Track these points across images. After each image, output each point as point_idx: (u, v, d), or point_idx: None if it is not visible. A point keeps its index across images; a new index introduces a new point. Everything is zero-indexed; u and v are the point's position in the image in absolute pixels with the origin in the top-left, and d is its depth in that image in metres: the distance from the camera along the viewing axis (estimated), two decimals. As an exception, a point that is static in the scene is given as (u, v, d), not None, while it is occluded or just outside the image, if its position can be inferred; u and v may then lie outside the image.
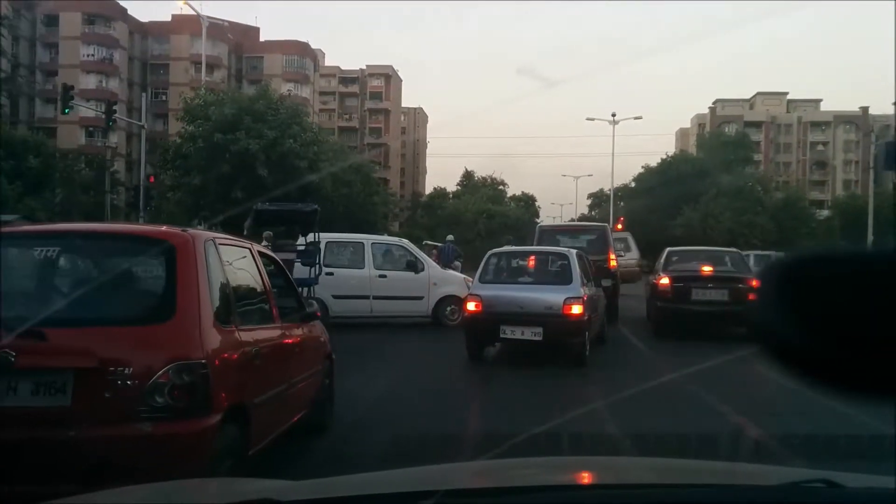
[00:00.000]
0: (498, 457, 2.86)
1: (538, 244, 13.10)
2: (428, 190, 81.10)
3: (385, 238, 15.67)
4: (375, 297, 12.73)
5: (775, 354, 0.73)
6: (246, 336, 3.81)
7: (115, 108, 26.96)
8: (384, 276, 12.91)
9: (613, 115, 48.84)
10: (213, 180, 20.61)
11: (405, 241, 14.22)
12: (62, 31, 62.10)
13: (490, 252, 9.64)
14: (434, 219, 59.34)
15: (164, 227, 3.98)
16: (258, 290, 4.37)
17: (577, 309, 8.23)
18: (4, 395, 3.06)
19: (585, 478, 1.91)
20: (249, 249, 4.47)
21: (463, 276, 13.95)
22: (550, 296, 8.40)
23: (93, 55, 62.19)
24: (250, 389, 3.75)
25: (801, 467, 2.23)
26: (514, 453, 3.07)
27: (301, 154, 21.12)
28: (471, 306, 8.71)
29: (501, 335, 8.48)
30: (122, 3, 64.51)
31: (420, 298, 12.91)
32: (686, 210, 49.13)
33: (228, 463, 3.36)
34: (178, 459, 3.09)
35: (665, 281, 11.49)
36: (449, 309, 13.02)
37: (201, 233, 3.94)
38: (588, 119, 50.07)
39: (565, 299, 8.27)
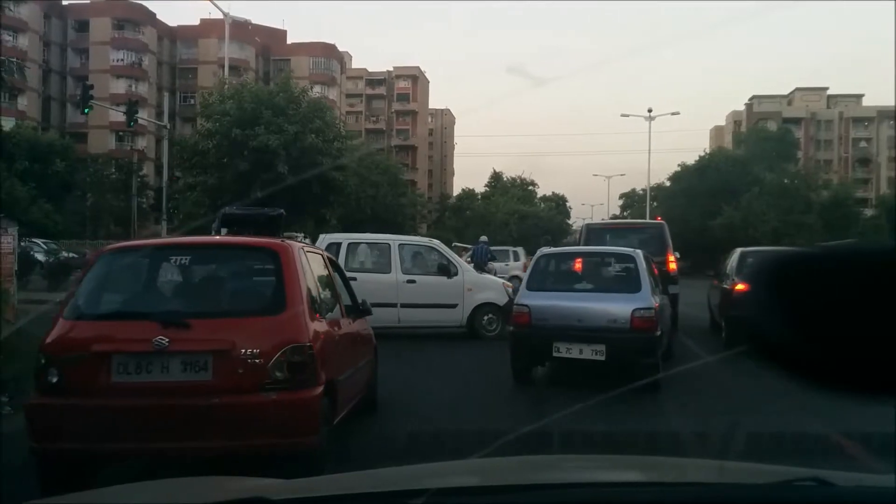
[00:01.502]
0: (489, 455, 2.59)
1: (585, 243, 11.70)
2: (455, 191, 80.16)
3: (414, 239, 14.31)
4: (403, 305, 11.36)
5: (765, 353, 0.74)
6: (328, 326, 4.67)
7: (136, 107, 26.21)
8: (413, 282, 11.56)
9: (649, 110, 47.18)
10: (231, 179, 19.42)
11: (436, 242, 12.57)
12: (92, 37, 62.35)
13: (540, 253, 8.25)
14: (462, 220, 58.19)
15: (267, 238, 4.81)
16: (330, 288, 5.28)
17: (648, 322, 6.84)
18: (160, 372, 3.89)
19: (576, 476, 1.90)
20: (322, 255, 5.50)
21: (502, 280, 12.56)
22: (615, 306, 7.01)
23: (122, 60, 62.33)
24: (336, 369, 4.53)
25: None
26: (506, 452, 2.82)
27: (324, 150, 19.78)
28: (517, 319, 7.36)
29: (554, 353, 7.09)
30: (150, 8, 64.60)
31: (453, 306, 11.53)
32: (727, 209, 47.03)
33: (325, 428, 4.18)
34: (294, 422, 3.93)
35: (743, 287, 9.92)
36: (486, 318, 11.61)
37: (294, 242, 4.94)
38: (623, 115, 47.60)
39: (634, 311, 6.87)
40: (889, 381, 0.72)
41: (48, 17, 61.08)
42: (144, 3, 63.87)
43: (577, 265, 8.14)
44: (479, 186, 73.64)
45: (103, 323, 4.23)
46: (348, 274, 11.51)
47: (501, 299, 11.57)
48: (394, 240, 12.26)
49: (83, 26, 63.12)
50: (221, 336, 3.97)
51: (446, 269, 11.70)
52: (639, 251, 7.73)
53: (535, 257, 8.15)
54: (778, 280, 0.76)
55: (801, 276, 0.75)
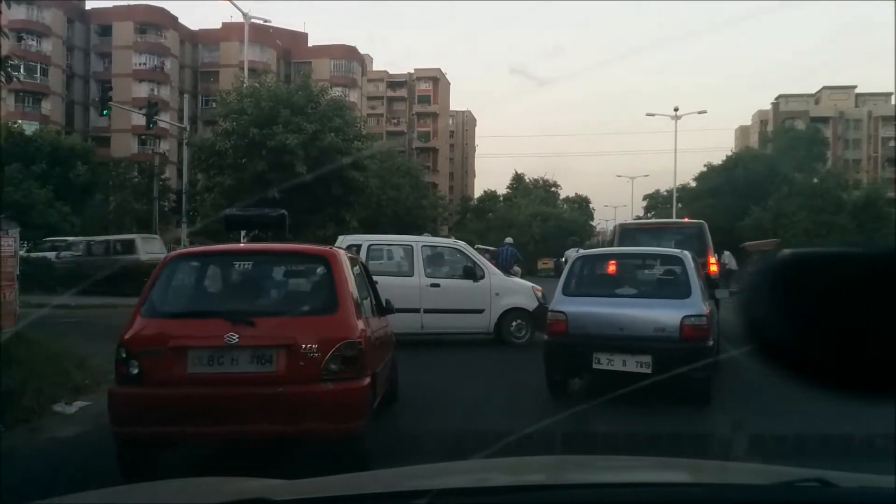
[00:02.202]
0: (491, 456, 2.69)
1: (619, 244, 11.03)
2: (477, 193, 79.66)
3: (437, 240, 13.67)
4: (426, 311, 10.74)
5: (766, 353, 0.75)
6: (368, 324, 5.04)
7: (156, 109, 26.03)
8: (437, 286, 10.90)
9: (676, 109, 46.19)
10: (249, 180, 18.88)
11: (461, 244, 11.80)
12: (115, 41, 62.79)
13: (577, 254, 7.61)
14: (484, 222, 57.61)
15: (317, 245, 5.66)
16: (366, 290, 5.73)
17: (699, 331, 6.19)
18: (230, 364, 4.38)
19: (578, 477, 1.88)
20: (358, 261, 5.94)
21: (531, 284, 11.91)
22: (663, 313, 6.36)
23: (145, 64, 62.72)
24: (375, 363, 4.97)
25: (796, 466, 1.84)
26: (508, 452, 2.92)
27: (343, 150, 19.17)
28: (553, 327, 6.74)
29: (594, 365, 6.46)
30: (172, 12, 64.90)
31: (480, 312, 10.89)
32: (755, 209, 45.88)
33: (369, 415, 4.70)
34: (347, 409, 4.44)
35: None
36: (515, 324, 10.97)
37: (339, 249, 5.42)
38: (648, 115, 46.63)
39: (684, 318, 6.20)
40: (890, 382, 0.73)
41: (71, 21, 61.61)
42: (166, 7, 64.27)
43: (618, 268, 7.47)
44: (501, 188, 73.13)
45: (178, 321, 4.66)
46: (370, 277, 11.09)
47: (531, 304, 10.96)
48: (416, 241, 11.62)
49: (106, 30, 63.59)
50: (284, 333, 4.43)
51: (472, 272, 11.06)
52: (686, 252, 7.06)
53: (571, 260, 7.51)
54: (780, 280, 0.76)
55: (803, 277, 0.75)
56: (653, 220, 12.90)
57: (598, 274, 7.39)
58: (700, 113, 51.30)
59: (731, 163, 53.56)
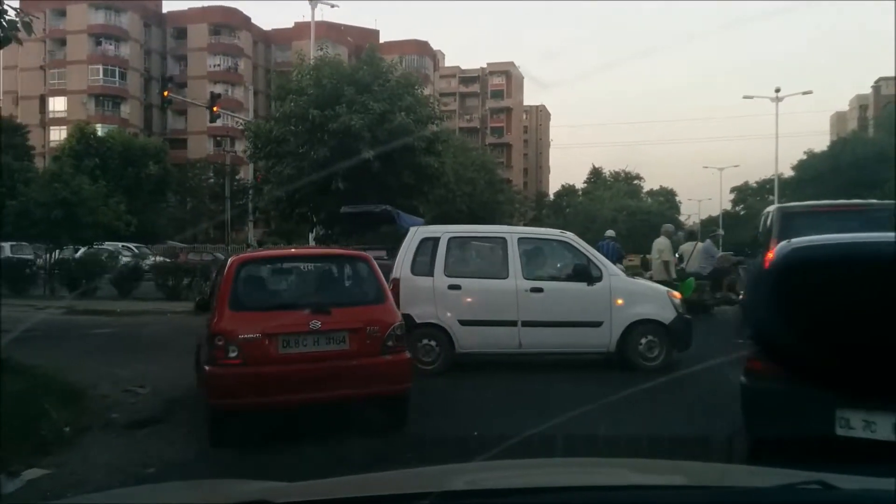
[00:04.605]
0: (493, 458, 2.66)
1: (780, 235, 8.29)
2: (552, 189, 77.03)
3: (539, 231, 10.98)
4: (526, 324, 8.30)
5: (770, 355, 0.74)
6: None
7: (219, 97, 24.73)
8: (539, 290, 8.37)
9: (777, 90, 42.00)
10: (310, 168, 16.76)
11: (570, 235, 9.00)
12: (190, 44, 63.38)
13: (789, 245, 4.97)
14: (561, 218, 54.73)
15: (352, 249, 7.88)
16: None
17: None
18: (313, 345, 5.55)
19: (580, 479, 1.90)
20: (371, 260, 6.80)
21: (665, 288, 9.21)
22: None
23: (219, 65, 63.04)
24: None
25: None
26: (510, 455, 2.82)
27: (415, 132, 16.71)
28: (753, 364, 4.14)
29: (838, 430, 3.84)
30: (245, 12, 64.97)
31: (597, 324, 8.32)
32: (872, 196, 41.18)
33: (412, 378, 5.98)
34: (401, 374, 5.75)
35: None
36: (645, 341, 8.31)
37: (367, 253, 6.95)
38: (745, 97, 42.51)
39: None
40: (892, 384, 0.69)
41: (148, 25, 62.40)
42: (239, 8, 64.35)
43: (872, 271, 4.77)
44: (576, 182, 70.14)
45: (268, 313, 5.72)
46: (450, 282, 8.61)
47: (666, 314, 8.33)
48: (511, 233, 8.91)
49: (181, 33, 64.25)
50: (353, 319, 5.71)
51: (586, 272, 8.40)
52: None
53: (780, 252, 4.92)
54: (786, 283, 0.75)
55: (808, 279, 0.73)
56: (828, 203, 9.94)
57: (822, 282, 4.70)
58: (805, 94, 45.97)
59: (837, 150, 48.85)
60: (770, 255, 7.16)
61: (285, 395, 5.37)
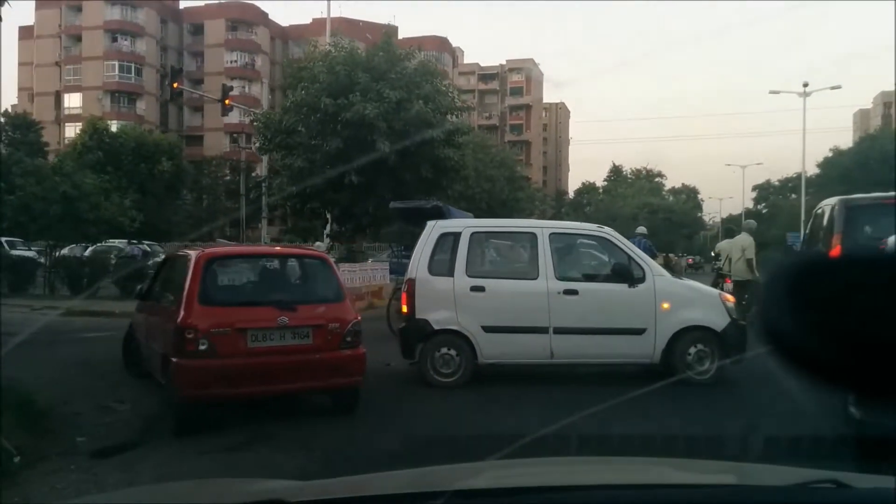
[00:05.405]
0: (505, 457, 2.49)
1: (845, 230, 7.28)
2: (571, 187, 75.92)
3: (573, 225, 9.86)
4: (558, 331, 7.37)
5: (786, 356, 0.74)
6: None
7: (231, 89, 23.91)
8: (573, 293, 7.44)
9: (805, 85, 40.50)
10: (322, 160, 15.74)
11: (608, 230, 7.97)
12: (207, 40, 62.97)
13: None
14: (582, 216, 53.61)
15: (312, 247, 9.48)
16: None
17: None
18: (279, 339, 5.86)
19: (593, 478, 1.88)
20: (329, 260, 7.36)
21: (716, 290, 8.19)
22: None
23: (236, 61, 62.57)
24: None
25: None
26: (522, 454, 2.60)
27: (433, 122, 15.58)
28: None
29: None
30: (263, 8, 64.39)
31: (640, 332, 7.33)
32: (907, 197, 39.62)
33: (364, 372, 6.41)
34: (356, 368, 6.16)
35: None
36: (694, 350, 7.33)
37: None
38: (772, 92, 40.80)
39: None
40: None
41: (164, 21, 62.03)
42: (257, 4, 63.74)
43: None
44: (596, 180, 68.95)
45: (237, 308, 6.02)
46: (472, 283, 7.80)
47: (719, 320, 7.31)
48: (542, 227, 7.95)
49: (198, 29, 63.86)
50: (316, 316, 6.13)
51: (626, 272, 7.41)
52: None
53: None
54: (803, 281, 0.74)
55: (825, 278, 0.74)
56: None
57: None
58: (833, 88, 44.50)
59: (866, 147, 47.15)
60: (835, 253, 6.08)
61: (251, 386, 5.75)
